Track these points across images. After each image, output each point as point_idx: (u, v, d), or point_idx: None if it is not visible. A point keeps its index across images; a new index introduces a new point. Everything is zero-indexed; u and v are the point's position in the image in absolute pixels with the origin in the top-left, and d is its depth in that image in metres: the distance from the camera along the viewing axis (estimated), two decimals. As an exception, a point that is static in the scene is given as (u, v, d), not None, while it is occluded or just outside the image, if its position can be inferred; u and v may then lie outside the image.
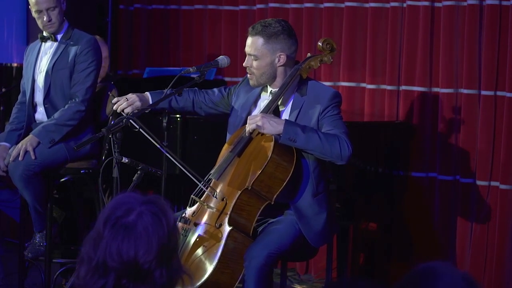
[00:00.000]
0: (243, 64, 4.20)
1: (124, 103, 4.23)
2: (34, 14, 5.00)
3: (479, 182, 5.32)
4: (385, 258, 5.63)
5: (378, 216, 5.65)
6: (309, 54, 4.31)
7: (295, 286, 5.75)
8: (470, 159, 5.35)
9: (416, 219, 5.53)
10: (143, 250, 2.09)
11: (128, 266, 2.08)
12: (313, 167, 4.12)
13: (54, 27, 4.99)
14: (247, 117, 4.16)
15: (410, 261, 5.51)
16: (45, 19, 4.95)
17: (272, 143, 4.00)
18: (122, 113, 4.21)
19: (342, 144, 3.98)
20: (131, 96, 4.26)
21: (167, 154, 4.12)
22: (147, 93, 4.32)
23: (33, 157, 4.81)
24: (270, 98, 4.18)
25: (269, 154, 3.98)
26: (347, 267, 5.36)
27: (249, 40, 4.20)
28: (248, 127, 4.04)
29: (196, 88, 4.41)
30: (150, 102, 4.29)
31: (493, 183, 5.28)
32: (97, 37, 5.98)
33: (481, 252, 5.31)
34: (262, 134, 4.07)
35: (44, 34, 5.06)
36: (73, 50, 4.98)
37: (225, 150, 4.22)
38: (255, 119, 4.01)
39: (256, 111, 4.22)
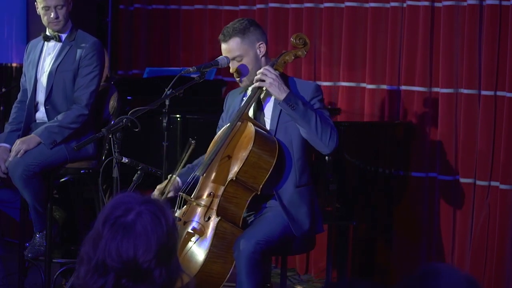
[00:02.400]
0: (230, 71, 4.25)
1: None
2: (40, 10, 4.98)
3: (479, 182, 5.32)
4: (385, 258, 5.63)
5: (378, 216, 5.64)
6: (284, 51, 4.36)
7: (295, 286, 5.75)
8: (470, 159, 5.35)
9: (416, 219, 5.53)
10: (142, 249, 2.09)
11: (128, 266, 2.08)
12: (296, 157, 4.18)
13: (59, 25, 4.98)
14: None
15: (410, 261, 5.51)
16: (52, 15, 4.94)
17: (253, 135, 4.06)
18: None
19: (333, 135, 4.09)
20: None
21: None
22: (174, 177, 4.26)
23: (18, 156, 4.82)
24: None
25: (251, 144, 4.04)
26: (347, 267, 5.35)
27: (226, 47, 4.28)
28: (259, 76, 4.11)
29: None
30: (178, 180, 4.23)
31: (493, 183, 5.27)
32: None
33: (481, 252, 5.31)
34: (245, 127, 4.12)
35: (48, 33, 5.05)
36: (77, 52, 4.97)
37: (211, 147, 4.27)
38: (271, 74, 4.08)
39: (239, 108, 4.26)
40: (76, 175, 5.09)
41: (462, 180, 5.39)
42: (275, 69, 4.20)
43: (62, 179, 5.10)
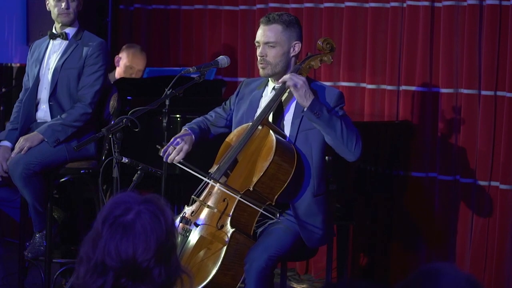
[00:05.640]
0: (258, 54, 4.21)
1: (174, 153, 4.13)
2: (51, 2, 5.02)
3: (479, 182, 5.32)
4: (385, 258, 5.63)
5: (378, 216, 5.65)
6: (308, 54, 4.31)
7: (295, 286, 5.74)
8: (470, 159, 5.35)
9: (416, 219, 5.53)
10: (141, 248, 2.09)
11: (127, 265, 2.09)
12: (316, 166, 4.12)
13: (69, 17, 5.01)
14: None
15: (410, 261, 5.51)
16: (63, 6, 4.98)
17: (274, 144, 4.00)
18: (174, 163, 4.14)
19: (358, 141, 4.04)
20: (179, 143, 4.16)
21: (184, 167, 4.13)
22: (187, 129, 4.25)
23: (22, 153, 4.83)
24: (273, 94, 4.19)
25: (271, 155, 3.98)
26: (347, 267, 5.35)
27: (264, 30, 4.20)
28: (286, 79, 4.05)
29: (202, 118, 4.41)
30: (194, 138, 4.22)
31: (493, 183, 5.27)
32: (138, 47, 6.14)
33: (481, 252, 5.31)
34: (265, 134, 4.07)
35: (54, 31, 5.08)
36: (83, 51, 5.00)
37: (225, 147, 4.23)
38: (298, 80, 4.02)
39: (259, 111, 4.22)
40: (76, 175, 5.09)
41: (462, 180, 5.39)
42: (299, 74, 4.14)
43: (62, 179, 5.10)
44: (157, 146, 4.16)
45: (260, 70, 4.22)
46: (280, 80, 4.15)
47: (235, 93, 4.42)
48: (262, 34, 4.21)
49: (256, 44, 4.24)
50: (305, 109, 4.03)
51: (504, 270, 5.23)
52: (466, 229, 5.38)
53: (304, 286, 5.76)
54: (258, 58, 4.20)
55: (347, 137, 4.01)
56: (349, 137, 4.02)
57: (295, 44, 4.20)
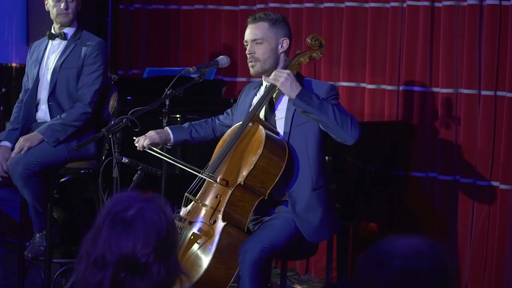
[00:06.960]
0: (246, 52, 4.23)
1: (142, 139, 4.23)
2: (50, 3, 5.04)
3: (479, 182, 5.32)
4: (385, 258, 5.62)
5: (378, 216, 5.64)
6: (298, 51, 4.33)
7: (295, 286, 5.75)
8: (470, 159, 5.35)
9: (416, 219, 5.53)
10: (141, 243, 2.10)
11: (126, 259, 2.09)
12: (312, 160, 4.13)
13: (68, 17, 5.02)
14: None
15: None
16: (62, 6, 5.00)
17: (263, 138, 4.02)
18: (145, 150, 4.22)
19: (354, 123, 4.03)
20: (149, 132, 4.27)
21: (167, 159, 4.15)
22: (166, 128, 4.33)
23: (22, 153, 4.84)
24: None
25: (261, 148, 4.00)
26: (347, 267, 5.35)
27: (251, 28, 4.25)
28: (272, 78, 4.08)
29: (211, 117, 4.48)
30: (171, 135, 4.30)
31: (493, 183, 5.28)
32: None
33: (481, 252, 5.31)
34: (255, 129, 4.09)
35: (53, 31, 5.08)
36: (82, 50, 5.02)
37: (220, 146, 4.25)
38: (282, 75, 4.05)
39: (251, 109, 4.25)
40: (76, 175, 5.10)
41: (462, 180, 5.39)
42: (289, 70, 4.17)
43: (62, 179, 5.11)
44: (133, 138, 4.21)
45: (250, 69, 4.26)
46: (269, 79, 4.17)
47: (239, 95, 4.46)
48: (249, 32, 4.26)
49: (245, 44, 4.28)
50: (293, 99, 4.04)
51: (504, 270, 5.23)
52: (466, 229, 5.38)
53: (304, 286, 5.76)
54: (248, 56, 4.23)
55: (341, 119, 4.01)
56: (343, 119, 4.01)
57: (283, 40, 4.23)
